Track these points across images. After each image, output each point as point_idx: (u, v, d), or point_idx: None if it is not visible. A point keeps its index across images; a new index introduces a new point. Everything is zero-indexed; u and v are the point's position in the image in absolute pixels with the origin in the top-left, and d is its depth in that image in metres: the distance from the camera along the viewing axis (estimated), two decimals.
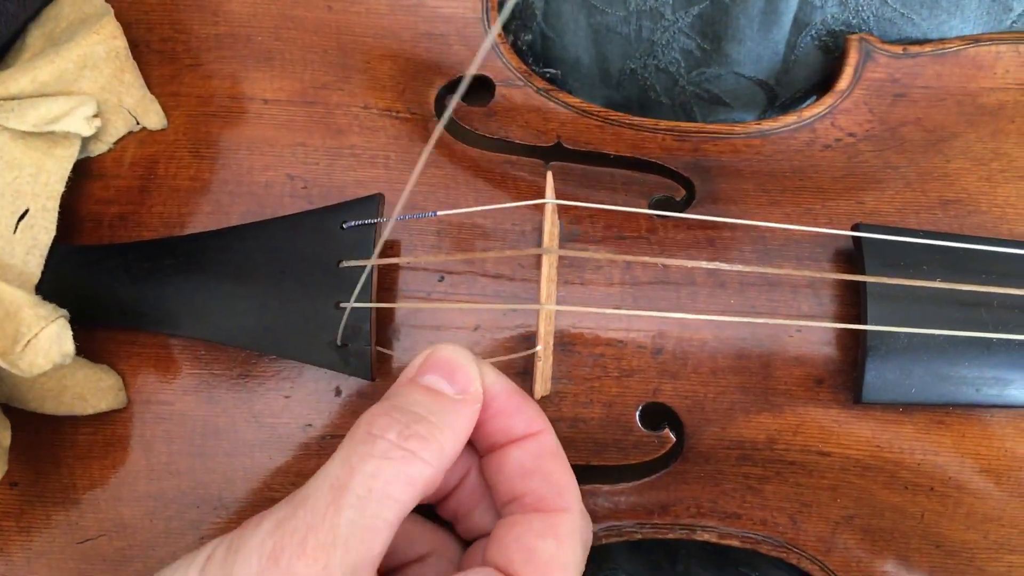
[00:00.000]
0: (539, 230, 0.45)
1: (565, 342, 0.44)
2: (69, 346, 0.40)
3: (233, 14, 0.48)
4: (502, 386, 0.38)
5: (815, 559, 0.45)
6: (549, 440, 0.38)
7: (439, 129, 0.32)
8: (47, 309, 0.40)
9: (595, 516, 0.45)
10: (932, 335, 0.42)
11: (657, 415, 0.45)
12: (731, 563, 0.50)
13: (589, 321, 0.44)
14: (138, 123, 0.47)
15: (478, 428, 0.38)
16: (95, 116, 0.45)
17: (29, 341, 0.39)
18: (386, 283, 0.45)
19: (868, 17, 0.51)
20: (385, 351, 0.44)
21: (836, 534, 0.44)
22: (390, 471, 0.33)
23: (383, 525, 0.33)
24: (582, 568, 0.36)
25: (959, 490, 0.44)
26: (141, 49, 0.48)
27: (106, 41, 0.45)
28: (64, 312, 0.40)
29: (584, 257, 0.44)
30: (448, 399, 0.36)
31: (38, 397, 0.43)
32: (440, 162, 0.46)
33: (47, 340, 0.39)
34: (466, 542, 0.42)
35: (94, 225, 0.46)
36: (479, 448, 0.40)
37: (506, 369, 0.44)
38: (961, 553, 0.44)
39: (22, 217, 0.43)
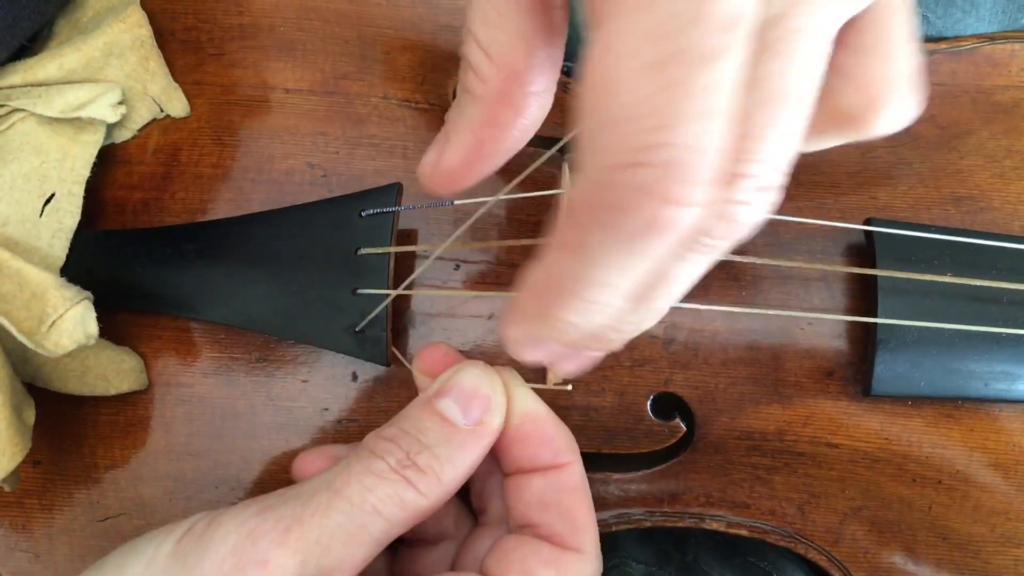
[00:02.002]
0: (554, 221, 0.46)
1: None
2: (93, 327, 0.41)
3: (256, 4, 0.49)
4: (535, 411, 0.37)
5: (823, 549, 0.45)
6: (574, 474, 0.37)
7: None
8: (72, 291, 0.41)
9: (605, 504, 0.46)
10: (942, 329, 0.43)
11: (668, 405, 0.45)
12: (739, 553, 0.50)
13: None
14: (162, 111, 0.48)
15: (502, 450, 0.37)
16: (120, 103, 0.46)
17: (54, 322, 0.40)
18: (402, 271, 0.46)
19: None
20: (401, 358, 0.44)
21: (844, 525, 0.45)
22: (385, 490, 0.34)
23: (368, 539, 0.33)
24: None
25: (967, 483, 0.45)
26: (166, 38, 0.48)
27: (132, 29, 0.46)
28: (88, 294, 0.41)
29: None
30: (457, 431, 0.36)
31: (62, 377, 0.44)
32: None
33: (72, 321, 0.40)
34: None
35: (118, 210, 0.47)
36: (502, 468, 0.39)
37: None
38: (968, 546, 0.45)
39: (48, 201, 0.44)
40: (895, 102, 0.30)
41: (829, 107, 0.30)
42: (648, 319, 0.29)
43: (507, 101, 0.32)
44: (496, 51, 0.31)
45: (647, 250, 0.25)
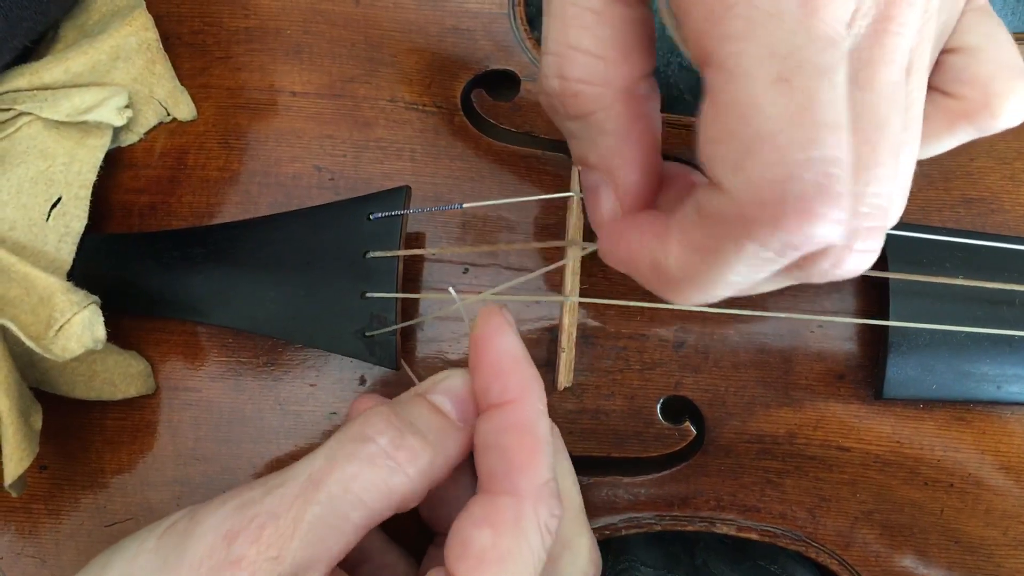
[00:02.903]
0: (563, 224, 0.45)
1: (588, 334, 0.45)
2: (101, 332, 0.41)
3: (263, 8, 0.49)
4: (485, 338, 0.35)
5: (834, 553, 0.45)
6: (520, 412, 0.34)
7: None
8: (79, 295, 0.41)
9: (615, 508, 0.45)
10: (954, 332, 0.42)
11: (678, 408, 0.45)
12: (750, 556, 0.50)
13: (612, 314, 0.45)
14: (169, 114, 0.47)
15: None
16: (127, 107, 0.45)
17: (62, 326, 0.40)
18: (411, 274, 0.45)
19: None
20: (408, 370, 0.44)
21: (855, 529, 0.45)
22: (371, 477, 0.33)
23: (349, 528, 0.32)
24: (541, 557, 0.33)
25: (979, 487, 0.44)
26: (172, 41, 0.48)
27: (138, 33, 0.46)
28: (95, 298, 0.41)
29: None
30: (450, 422, 0.35)
31: (69, 382, 0.44)
32: (466, 155, 0.47)
33: (79, 325, 0.40)
34: None
35: (125, 214, 0.47)
36: None
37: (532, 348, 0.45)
38: (980, 549, 0.44)
39: (55, 205, 0.44)
40: (1015, 89, 0.31)
41: (951, 109, 0.31)
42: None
43: (638, 91, 0.32)
44: (607, 48, 0.31)
45: (780, 262, 0.26)
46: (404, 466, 0.33)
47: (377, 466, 0.33)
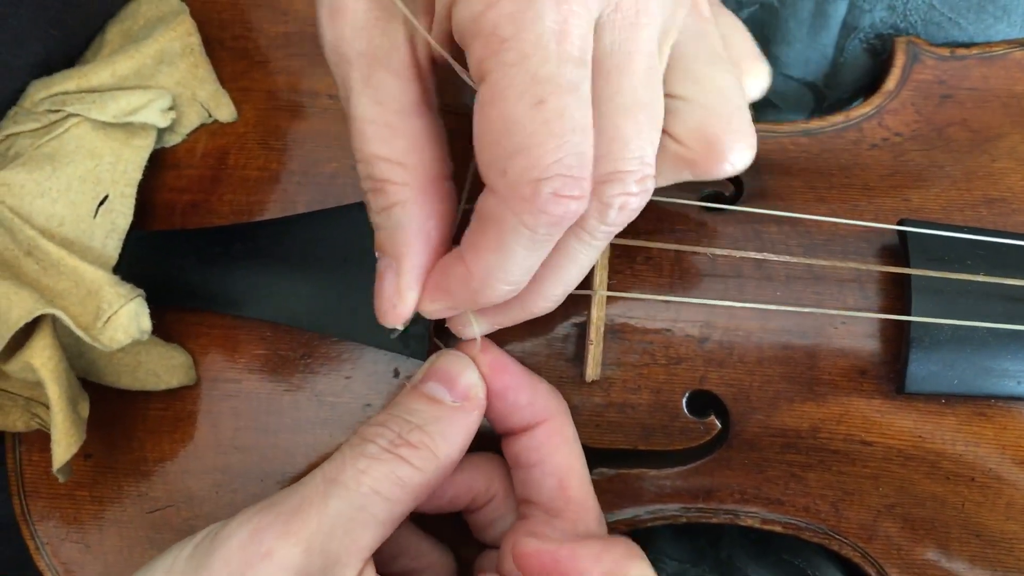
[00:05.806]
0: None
1: (615, 329, 0.46)
2: (146, 323, 0.42)
3: (300, 13, 0.50)
4: (505, 370, 0.41)
5: (856, 546, 0.46)
6: (542, 434, 0.40)
7: None
8: (126, 288, 0.42)
9: (640, 500, 0.46)
10: (975, 328, 0.43)
11: (703, 402, 0.46)
12: (773, 550, 0.51)
13: (639, 309, 0.46)
14: (210, 116, 0.49)
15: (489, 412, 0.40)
16: (170, 109, 0.47)
17: (110, 317, 0.41)
18: None
19: (916, 21, 0.52)
20: (439, 344, 0.45)
21: (877, 522, 0.45)
22: (380, 470, 0.35)
23: (371, 520, 0.35)
24: None
25: (1000, 481, 0.45)
26: (214, 46, 0.50)
27: (182, 38, 0.48)
28: (141, 291, 0.43)
29: (636, 246, 0.46)
30: (446, 407, 0.38)
31: (114, 372, 0.45)
32: None
33: (126, 317, 0.42)
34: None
35: (168, 212, 0.48)
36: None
37: (556, 354, 0.46)
38: (1001, 543, 0.45)
39: (102, 203, 0.46)
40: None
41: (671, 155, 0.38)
42: (562, 291, 0.38)
43: (434, 191, 0.36)
44: (404, 156, 0.35)
45: (554, 236, 0.33)
46: (409, 458, 0.36)
47: (383, 460, 0.36)
